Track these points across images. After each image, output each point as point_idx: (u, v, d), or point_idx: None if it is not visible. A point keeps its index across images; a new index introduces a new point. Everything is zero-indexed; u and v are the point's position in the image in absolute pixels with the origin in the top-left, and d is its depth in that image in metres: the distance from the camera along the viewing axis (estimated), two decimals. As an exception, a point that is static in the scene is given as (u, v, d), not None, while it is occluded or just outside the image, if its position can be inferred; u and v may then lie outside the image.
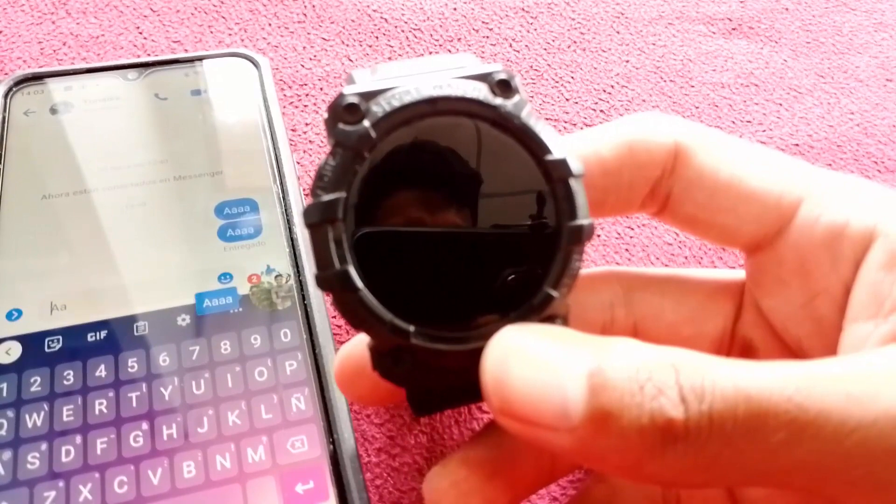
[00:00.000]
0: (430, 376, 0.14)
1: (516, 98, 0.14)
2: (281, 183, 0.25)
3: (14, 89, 0.27)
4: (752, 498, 0.16)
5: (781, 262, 0.16)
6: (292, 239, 0.23)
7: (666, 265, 0.27)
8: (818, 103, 0.34)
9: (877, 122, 0.33)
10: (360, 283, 0.13)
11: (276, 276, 0.22)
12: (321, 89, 0.31)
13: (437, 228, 0.14)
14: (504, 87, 0.14)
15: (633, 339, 0.12)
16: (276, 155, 0.26)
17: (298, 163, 0.28)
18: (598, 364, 0.12)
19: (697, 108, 0.33)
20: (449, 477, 0.15)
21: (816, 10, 0.39)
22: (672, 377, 0.11)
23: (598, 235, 0.28)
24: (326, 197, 0.13)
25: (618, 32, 0.36)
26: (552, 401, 0.12)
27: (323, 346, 0.21)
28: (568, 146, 0.14)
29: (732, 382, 0.11)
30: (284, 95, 0.31)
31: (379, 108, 0.14)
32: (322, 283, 0.13)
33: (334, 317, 0.24)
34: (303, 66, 0.32)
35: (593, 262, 0.27)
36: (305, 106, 0.30)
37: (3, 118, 0.26)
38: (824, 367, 0.12)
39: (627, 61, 0.35)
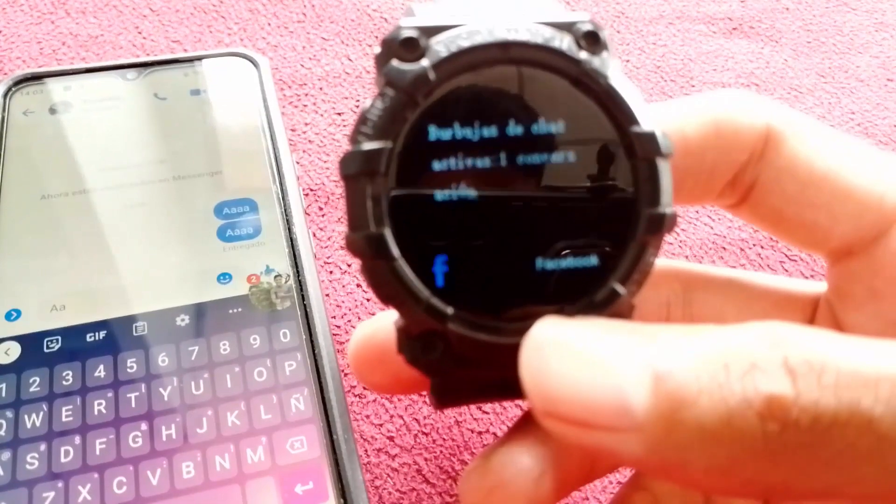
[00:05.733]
0: (462, 368, 0.12)
1: (604, 54, 0.12)
2: (280, 183, 0.25)
3: (13, 89, 0.27)
4: None
5: (877, 270, 0.14)
6: (292, 239, 0.23)
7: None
8: (819, 103, 0.34)
9: (877, 122, 0.33)
10: (396, 251, 0.11)
11: (275, 277, 0.22)
12: (321, 89, 0.31)
13: (488, 192, 0.12)
14: (591, 41, 0.12)
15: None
16: (275, 155, 0.26)
17: (298, 163, 0.28)
18: (662, 348, 0.10)
19: (698, 107, 0.33)
20: (491, 477, 0.13)
21: (817, 10, 0.39)
22: (777, 352, 0.09)
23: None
24: (368, 145, 0.11)
25: (618, 32, 0.36)
26: (606, 393, 0.10)
27: (322, 346, 0.21)
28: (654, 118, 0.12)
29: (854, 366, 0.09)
30: (284, 95, 0.31)
31: (442, 46, 0.12)
32: (352, 245, 0.11)
33: (334, 317, 0.24)
34: (302, 65, 0.32)
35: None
36: (305, 106, 0.30)
37: (3, 118, 0.26)
38: None
39: (628, 61, 0.35)
